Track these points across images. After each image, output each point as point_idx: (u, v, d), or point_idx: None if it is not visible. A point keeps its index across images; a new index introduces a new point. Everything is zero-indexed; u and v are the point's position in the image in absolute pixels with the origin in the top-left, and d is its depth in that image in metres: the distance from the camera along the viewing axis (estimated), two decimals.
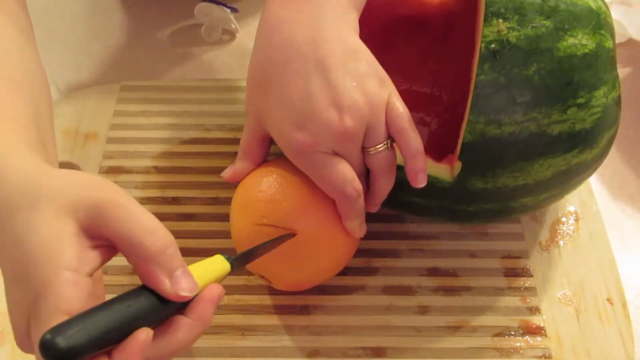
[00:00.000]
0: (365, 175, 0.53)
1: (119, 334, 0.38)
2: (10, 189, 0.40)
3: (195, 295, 0.41)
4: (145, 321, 0.39)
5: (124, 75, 0.78)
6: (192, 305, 0.41)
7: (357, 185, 0.51)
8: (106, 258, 0.40)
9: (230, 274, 0.45)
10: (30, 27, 0.56)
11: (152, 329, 0.39)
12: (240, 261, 0.48)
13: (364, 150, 0.51)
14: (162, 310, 0.40)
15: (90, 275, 0.38)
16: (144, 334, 0.38)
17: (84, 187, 0.39)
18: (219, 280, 0.44)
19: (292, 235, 0.52)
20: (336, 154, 0.50)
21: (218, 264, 0.45)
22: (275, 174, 0.54)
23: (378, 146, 0.50)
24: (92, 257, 0.39)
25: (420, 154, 0.51)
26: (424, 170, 0.51)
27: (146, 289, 0.39)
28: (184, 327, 0.40)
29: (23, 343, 0.39)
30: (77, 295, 0.37)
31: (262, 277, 0.56)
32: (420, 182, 0.51)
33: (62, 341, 0.35)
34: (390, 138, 0.51)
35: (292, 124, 0.50)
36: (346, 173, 0.50)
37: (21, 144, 0.43)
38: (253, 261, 0.51)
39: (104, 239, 0.39)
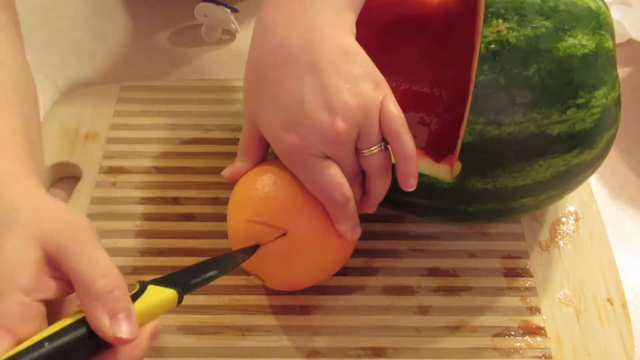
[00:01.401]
0: (362, 176, 0.53)
1: None
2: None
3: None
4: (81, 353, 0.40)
5: (124, 75, 0.78)
6: None
7: (346, 191, 0.50)
8: (65, 292, 0.42)
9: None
10: (17, 23, 0.56)
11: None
12: (188, 290, 0.47)
13: (357, 152, 0.51)
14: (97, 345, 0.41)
15: (44, 301, 0.41)
16: None
17: (56, 223, 0.42)
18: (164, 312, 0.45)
19: (246, 257, 0.52)
20: (327, 157, 0.50)
21: (168, 300, 0.45)
22: (271, 172, 0.54)
23: (372, 148, 0.50)
24: (50, 285, 0.41)
25: (412, 159, 0.50)
26: (415, 175, 0.51)
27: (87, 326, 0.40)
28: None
29: None
30: (21, 316, 0.39)
31: (257, 275, 0.56)
32: (410, 187, 0.51)
33: None
34: (385, 140, 0.51)
35: (284, 126, 0.50)
36: (335, 178, 0.50)
37: (17, 167, 0.46)
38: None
39: (63, 273, 0.41)
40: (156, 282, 0.45)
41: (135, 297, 0.43)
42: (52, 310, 0.42)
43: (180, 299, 0.45)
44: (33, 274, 0.40)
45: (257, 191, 0.54)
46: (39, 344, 0.38)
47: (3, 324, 0.39)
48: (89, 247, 0.41)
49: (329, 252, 0.55)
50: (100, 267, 0.41)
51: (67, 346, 0.39)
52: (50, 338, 0.39)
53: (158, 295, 0.44)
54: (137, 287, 0.44)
